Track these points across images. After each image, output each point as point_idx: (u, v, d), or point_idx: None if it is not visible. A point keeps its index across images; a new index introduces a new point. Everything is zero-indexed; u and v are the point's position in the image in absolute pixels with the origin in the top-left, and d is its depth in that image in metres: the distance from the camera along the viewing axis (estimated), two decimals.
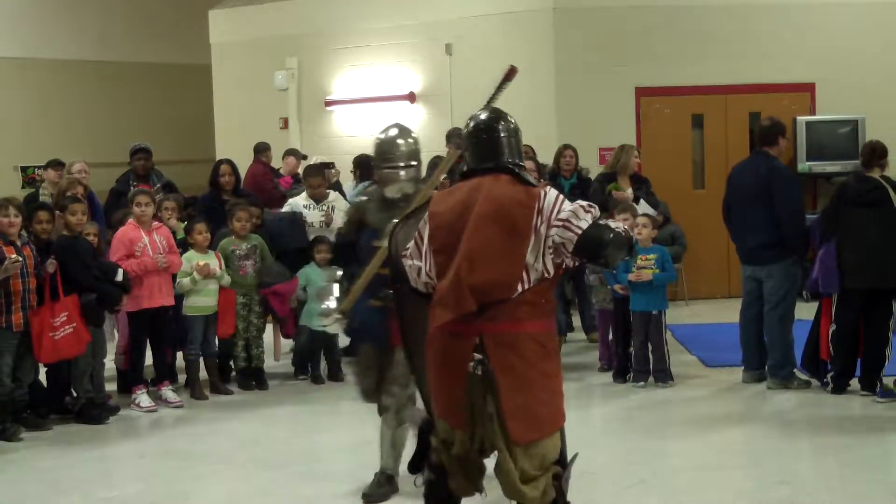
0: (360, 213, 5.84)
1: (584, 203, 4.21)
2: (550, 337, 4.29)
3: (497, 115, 4.46)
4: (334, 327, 5.63)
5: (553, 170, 10.29)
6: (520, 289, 4.14)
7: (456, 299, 4.16)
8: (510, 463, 4.14)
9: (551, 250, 4.16)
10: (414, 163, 5.68)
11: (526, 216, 4.15)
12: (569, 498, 4.27)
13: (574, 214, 4.13)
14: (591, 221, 4.14)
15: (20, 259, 7.22)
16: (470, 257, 4.17)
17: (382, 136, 5.74)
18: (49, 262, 7.42)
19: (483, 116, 4.47)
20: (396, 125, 5.83)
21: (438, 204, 4.39)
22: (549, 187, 4.29)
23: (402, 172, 5.62)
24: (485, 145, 4.39)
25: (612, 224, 4.26)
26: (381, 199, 5.69)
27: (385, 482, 5.80)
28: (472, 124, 4.47)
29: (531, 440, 4.13)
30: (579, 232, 4.11)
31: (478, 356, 4.17)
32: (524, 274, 4.14)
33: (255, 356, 8.65)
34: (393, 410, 5.64)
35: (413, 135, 5.78)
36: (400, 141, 5.69)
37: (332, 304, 5.62)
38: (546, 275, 4.17)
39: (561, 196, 4.23)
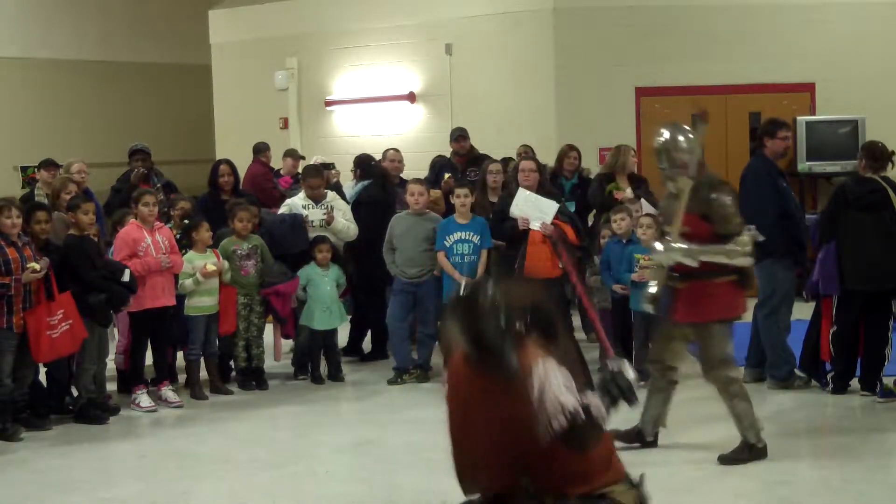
0: None
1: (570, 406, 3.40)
2: None
3: None
4: (650, 308, 6.64)
5: (555, 169, 10.29)
6: None
7: None
8: None
9: None
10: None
11: None
12: None
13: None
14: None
15: (37, 269, 7.22)
16: None
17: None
18: (42, 260, 7.39)
19: None
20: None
21: None
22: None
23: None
24: None
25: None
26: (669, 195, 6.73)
27: (744, 450, 6.40)
28: None
29: None
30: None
31: None
32: None
33: (256, 356, 8.64)
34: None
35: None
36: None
37: (653, 289, 6.48)
38: None
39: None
